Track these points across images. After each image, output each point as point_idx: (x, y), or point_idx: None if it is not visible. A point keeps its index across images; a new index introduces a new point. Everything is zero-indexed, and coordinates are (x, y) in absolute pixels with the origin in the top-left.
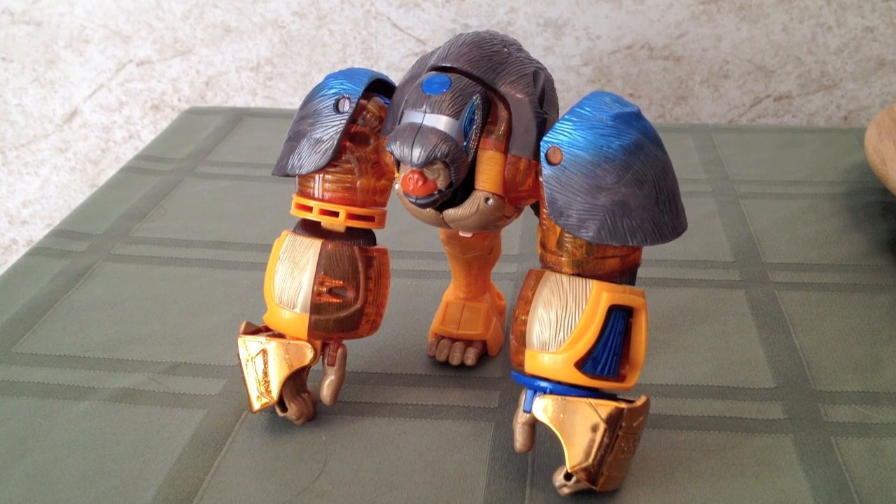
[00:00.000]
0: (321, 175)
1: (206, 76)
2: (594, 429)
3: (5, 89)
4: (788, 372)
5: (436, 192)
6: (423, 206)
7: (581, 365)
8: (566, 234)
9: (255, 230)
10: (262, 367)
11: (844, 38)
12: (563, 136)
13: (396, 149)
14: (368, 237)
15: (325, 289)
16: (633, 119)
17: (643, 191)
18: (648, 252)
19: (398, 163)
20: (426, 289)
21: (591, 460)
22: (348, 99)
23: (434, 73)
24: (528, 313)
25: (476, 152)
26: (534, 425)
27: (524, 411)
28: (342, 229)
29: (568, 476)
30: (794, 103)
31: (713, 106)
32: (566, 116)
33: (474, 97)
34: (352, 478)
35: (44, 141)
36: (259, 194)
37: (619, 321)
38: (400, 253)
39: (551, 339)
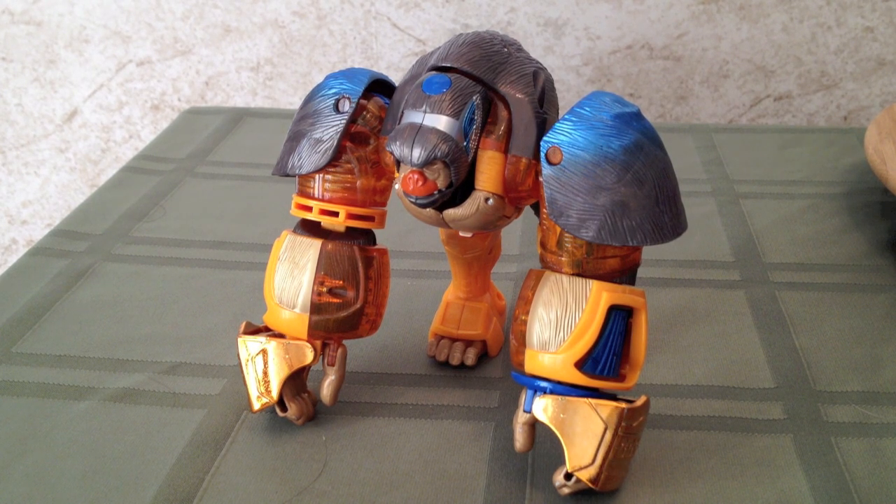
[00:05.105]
0: (321, 175)
1: (206, 76)
2: (594, 429)
3: (5, 89)
4: (788, 372)
5: (436, 192)
6: (423, 206)
7: (581, 365)
8: (566, 234)
9: (255, 230)
10: (262, 367)
11: (844, 38)
12: (563, 136)
13: (396, 149)
14: (368, 237)
15: (325, 289)
16: (633, 119)
17: (643, 191)
18: (648, 252)
19: (398, 163)
20: (426, 289)
21: (591, 460)
22: (348, 99)
23: (434, 73)
24: (528, 313)
25: (476, 152)
26: (534, 425)
27: (524, 411)
28: (342, 229)
29: (568, 476)
30: (794, 103)
31: (713, 106)
32: (566, 116)
33: (474, 97)
34: (352, 478)
35: (44, 141)
36: (259, 194)
37: (619, 321)
38: (400, 253)
39: (551, 339)
